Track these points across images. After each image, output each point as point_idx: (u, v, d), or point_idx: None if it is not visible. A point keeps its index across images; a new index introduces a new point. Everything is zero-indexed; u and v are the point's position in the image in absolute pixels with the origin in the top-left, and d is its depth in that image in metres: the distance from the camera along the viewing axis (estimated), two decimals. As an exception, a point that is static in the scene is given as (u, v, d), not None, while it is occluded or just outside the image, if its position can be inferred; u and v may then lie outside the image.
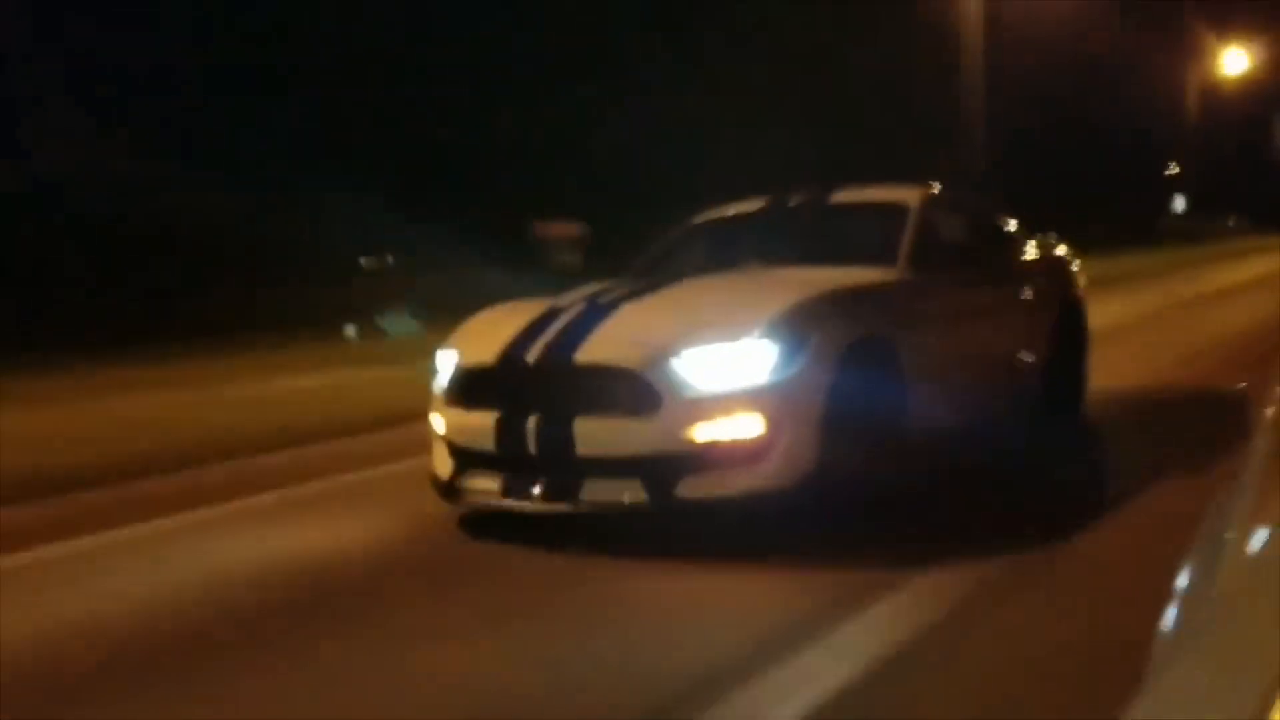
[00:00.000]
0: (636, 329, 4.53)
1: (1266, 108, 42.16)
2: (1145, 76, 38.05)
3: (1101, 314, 8.22)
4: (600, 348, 4.40)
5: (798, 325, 4.30)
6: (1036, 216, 7.55)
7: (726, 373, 4.18)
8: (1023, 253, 6.60)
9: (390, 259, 26.25)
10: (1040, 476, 5.37)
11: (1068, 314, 6.67)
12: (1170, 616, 1.20)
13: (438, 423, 4.87)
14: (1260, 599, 0.99)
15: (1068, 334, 6.58)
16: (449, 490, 4.80)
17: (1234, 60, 38.53)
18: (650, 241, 6.52)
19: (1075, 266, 7.06)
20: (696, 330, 4.32)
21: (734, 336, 4.24)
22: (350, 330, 25.44)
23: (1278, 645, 0.86)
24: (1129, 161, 40.21)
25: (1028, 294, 6.31)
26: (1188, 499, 3.97)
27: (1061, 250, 7.05)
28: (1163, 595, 1.24)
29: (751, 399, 4.16)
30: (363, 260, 26.03)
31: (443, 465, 4.83)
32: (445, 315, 6.42)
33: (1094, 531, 4.33)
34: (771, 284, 5.03)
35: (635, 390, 4.22)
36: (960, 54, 19.04)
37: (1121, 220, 32.54)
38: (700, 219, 6.49)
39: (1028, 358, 6.14)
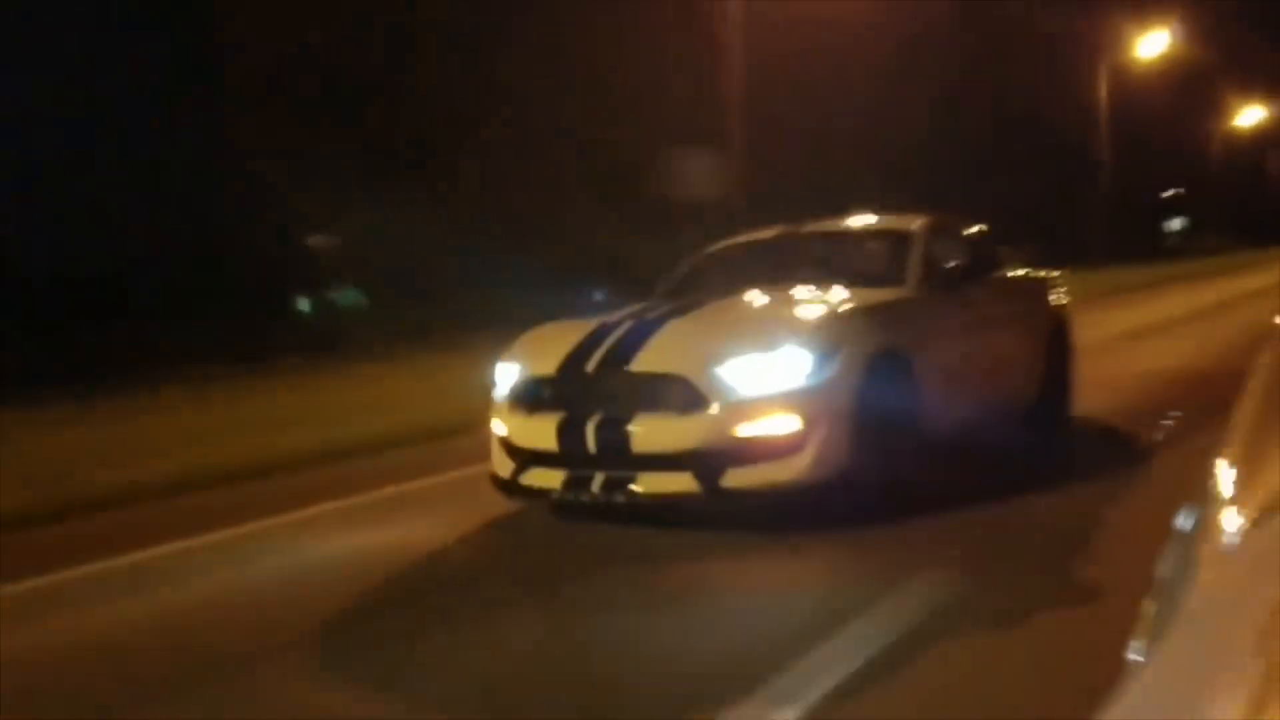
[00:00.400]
0: (684, 341, 5.13)
1: (1270, 148, 51.79)
2: (1172, 126, 43.55)
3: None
4: (653, 358, 4.99)
5: (830, 337, 4.92)
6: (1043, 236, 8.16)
7: (767, 378, 4.78)
8: (1017, 273, 7.26)
9: (338, 238, 25.94)
10: (1038, 469, 5.95)
11: (1057, 329, 7.32)
12: (1147, 611, 1.22)
13: (499, 426, 5.41)
14: (1238, 594, 1.01)
15: (1057, 347, 7.22)
16: (509, 486, 5.34)
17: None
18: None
19: (1063, 286, 7.71)
20: (738, 341, 4.93)
21: (773, 346, 4.83)
22: (304, 303, 25.66)
23: (1255, 644, 0.87)
24: (1137, 190, 42.64)
25: (1022, 311, 6.96)
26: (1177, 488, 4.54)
27: (1051, 272, 7.71)
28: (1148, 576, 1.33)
29: (789, 400, 4.75)
30: (310, 240, 25.69)
31: (503, 465, 5.37)
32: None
33: (1094, 524, 4.91)
34: (802, 301, 5.63)
35: (686, 394, 4.81)
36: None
37: (1118, 238, 34.13)
38: (720, 246, 7.08)
39: (1023, 367, 6.76)
